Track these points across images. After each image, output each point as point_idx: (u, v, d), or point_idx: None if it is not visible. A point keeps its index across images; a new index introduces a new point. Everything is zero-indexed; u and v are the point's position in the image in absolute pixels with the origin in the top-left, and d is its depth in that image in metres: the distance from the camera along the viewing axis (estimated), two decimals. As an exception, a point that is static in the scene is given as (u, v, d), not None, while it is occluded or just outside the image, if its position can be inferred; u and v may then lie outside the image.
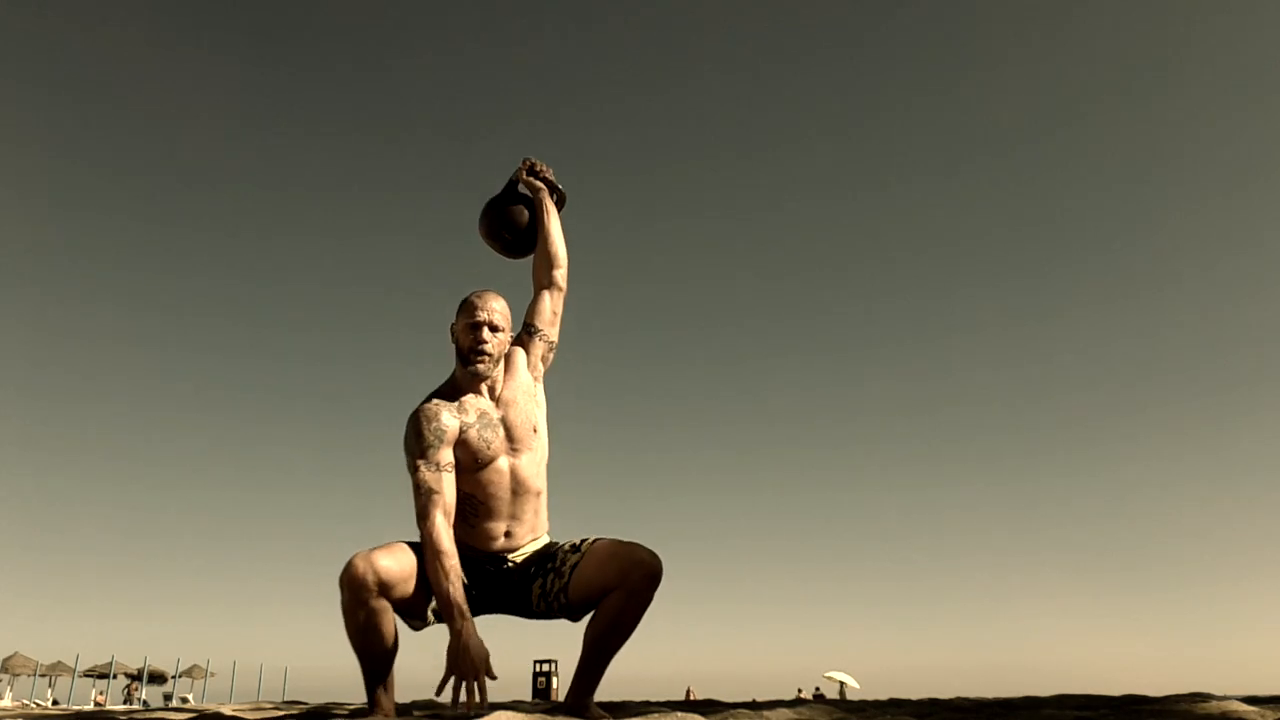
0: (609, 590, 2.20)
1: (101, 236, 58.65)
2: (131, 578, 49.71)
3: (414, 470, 2.19)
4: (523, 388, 2.40)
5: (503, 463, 2.30)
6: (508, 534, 2.33)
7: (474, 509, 2.30)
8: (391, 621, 2.15)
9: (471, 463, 2.26)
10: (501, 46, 64.23)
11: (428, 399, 2.29)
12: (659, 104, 66.02)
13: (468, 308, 2.33)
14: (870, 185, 65.26)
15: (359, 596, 2.07)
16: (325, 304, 62.90)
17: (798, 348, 64.61)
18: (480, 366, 2.29)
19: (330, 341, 63.48)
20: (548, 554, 2.36)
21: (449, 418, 2.25)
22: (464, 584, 2.10)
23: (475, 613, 2.18)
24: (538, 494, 2.38)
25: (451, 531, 2.16)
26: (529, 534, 2.37)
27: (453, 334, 2.36)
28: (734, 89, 65.23)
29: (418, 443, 2.21)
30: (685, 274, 66.75)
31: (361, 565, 2.07)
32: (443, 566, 2.08)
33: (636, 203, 66.09)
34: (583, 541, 2.33)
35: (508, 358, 2.40)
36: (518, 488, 2.32)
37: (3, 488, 50.86)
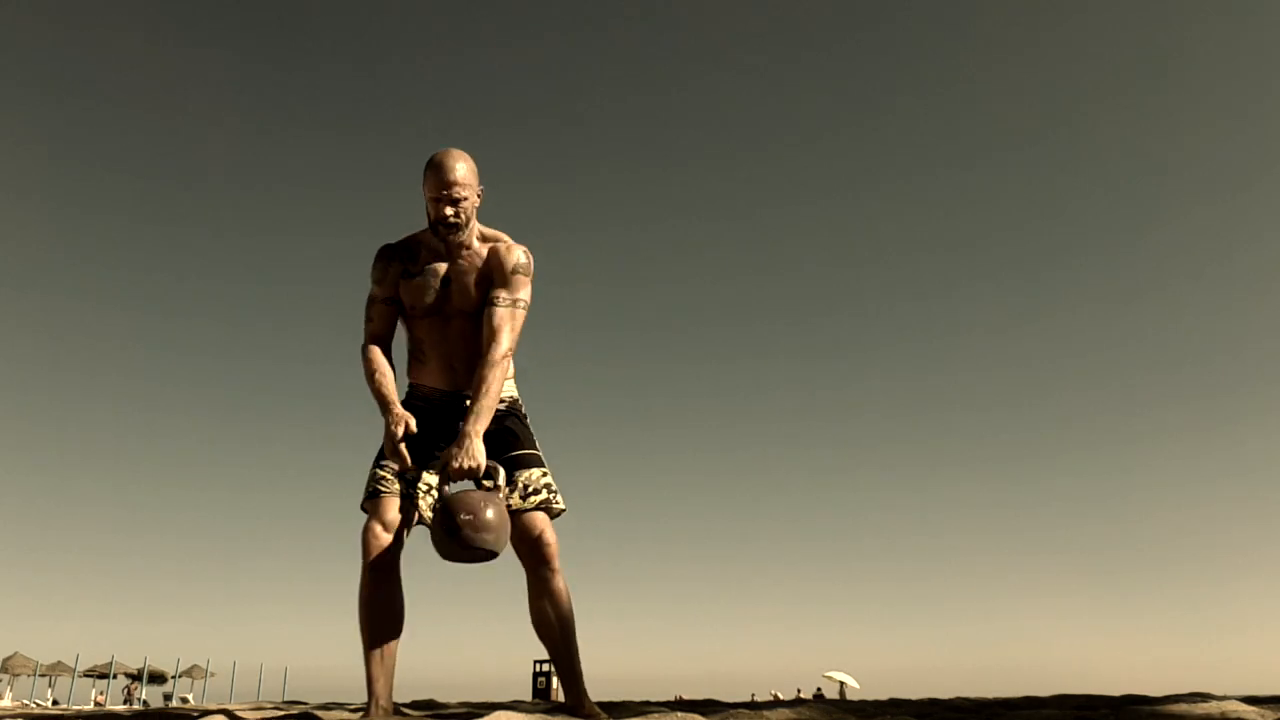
0: (520, 558, 2.36)
1: (101, 236, 58.68)
2: (131, 578, 49.75)
3: (367, 305, 2.47)
4: (476, 277, 2.42)
5: (445, 314, 2.43)
6: (454, 370, 2.45)
7: (424, 350, 2.46)
8: (400, 595, 2.28)
9: (414, 309, 2.44)
10: (502, 46, 64.21)
11: (390, 242, 2.49)
12: (659, 104, 66.03)
13: (429, 181, 2.34)
14: (870, 186, 65.29)
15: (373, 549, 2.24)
16: (325, 304, 62.89)
17: (795, 348, 64.64)
18: (450, 237, 2.39)
19: (330, 342, 63.51)
20: (506, 441, 2.42)
21: (394, 260, 2.46)
22: (390, 384, 2.36)
23: (432, 453, 2.37)
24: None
25: (380, 352, 2.42)
26: None
27: (424, 194, 2.41)
28: (734, 89, 65.24)
29: (372, 280, 2.47)
30: (685, 274, 66.78)
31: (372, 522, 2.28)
32: (369, 369, 2.37)
33: (636, 202, 66.08)
34: (529, 488, 2.37)
35: (493, 253, 2.43)
36: (468, 341, 2.42)
37: (3, 488, 50.88)
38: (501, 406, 2.45)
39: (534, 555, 2.33)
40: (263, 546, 56.97)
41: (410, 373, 2.52)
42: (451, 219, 2.34)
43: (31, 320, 55.24)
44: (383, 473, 2.32)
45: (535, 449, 2.46)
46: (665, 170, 66.51)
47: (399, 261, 2.44)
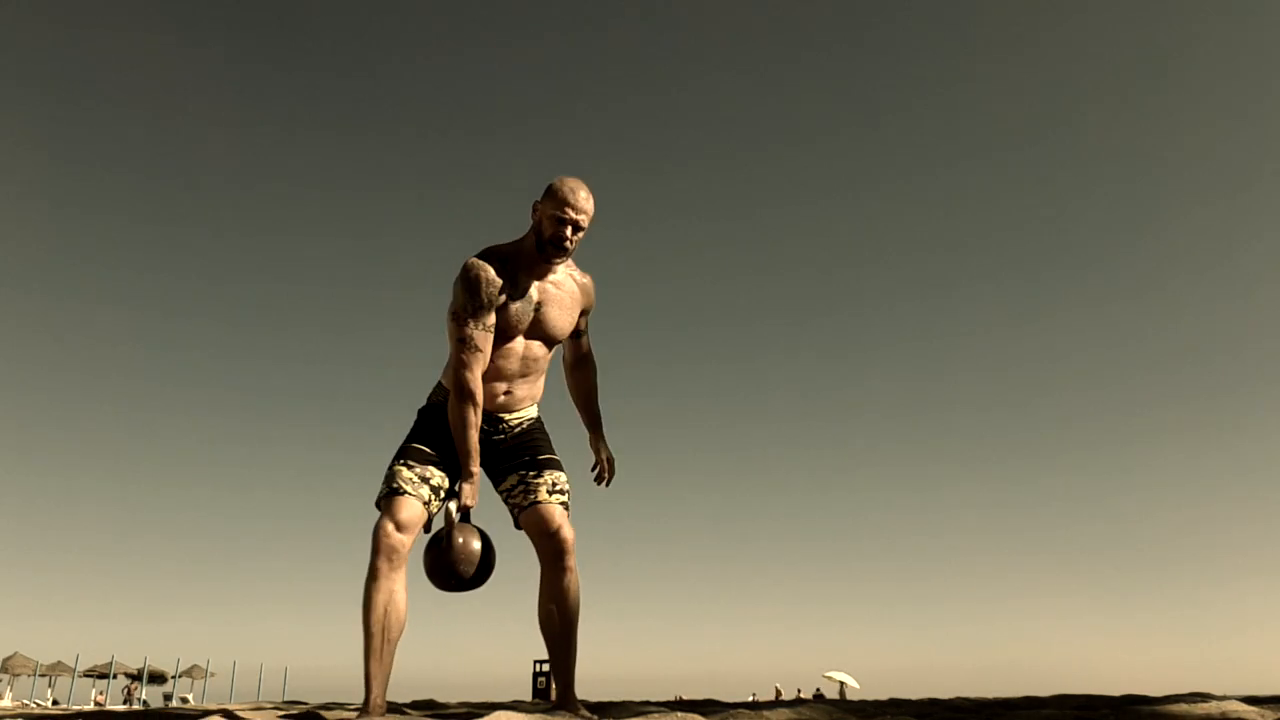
0: (537, 551, 2.41)
1: (101, 236, 58.68)
2: (131, 578, 49.73)
3: (463, 324, 2.31)
4: (568, 304, 2.49)
5: (519, 342, 2.42)
6: (507, 393, 2.47)
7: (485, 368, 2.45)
8: (404, 595, 2.26)
9: (497, 331, 2.39)
10: (502, 46, 64.25)
11: (488, 252, 2.37)
12: (659, 104, 66.06)
13: (558, 200, 2.32)
14: (870, 186, 65.30)
15: (387, 550, 2.24)
16: (325, 304, 62.95)
17: (795, 348, 64.64)
18: (556, 260, 2.38)
19: (330, 342, 63.54)
20: (533, 445, 2.50)
21: (499, 281, 2.34)
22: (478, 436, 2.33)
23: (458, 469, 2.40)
24: (542, 372, 2.54)
25: (483, 387, 2.34)
26: (527, 399, 2.52)
27: (535, 211, 2.37)
28: (734, 89, 65.25)
29: (471, 300, 2.31)
30: (685, 274, 66.79)
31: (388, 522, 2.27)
32: (470, 415, 2.29)
33: (636, 202, 66.07)
34: (554, 486, 2.44)
35: (582, 285, 2.54)
36: (528, 362, 2.46)
37: (3, 488, 50.88)
38: (529, 422, 2.54)
39: (551, 548, 2.36)
40: (262, 547, 57.00)
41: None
42: (568, 243, 2.34)
43: (31, 320, 55.26)
44: (407, 473, 2.32)
45: (558, 456, 2.53)
46: (665, 170, 66.54)
47: (500, 283, 2.34)
